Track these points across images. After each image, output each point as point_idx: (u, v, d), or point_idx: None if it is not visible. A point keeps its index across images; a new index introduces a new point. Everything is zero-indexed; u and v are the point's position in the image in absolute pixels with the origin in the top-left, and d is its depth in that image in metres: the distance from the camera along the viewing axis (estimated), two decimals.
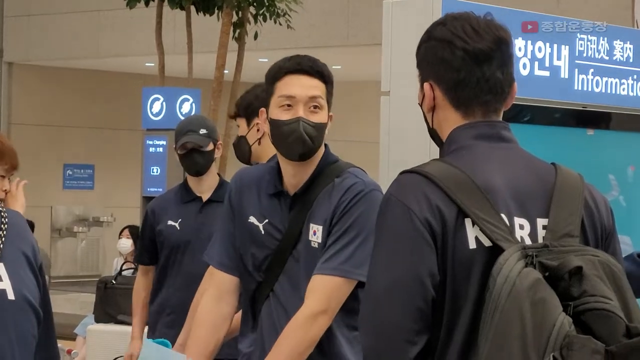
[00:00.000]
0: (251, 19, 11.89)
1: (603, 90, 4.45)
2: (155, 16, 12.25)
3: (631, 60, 4.52)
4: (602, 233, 2.28)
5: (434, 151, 3.85)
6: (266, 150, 4.19)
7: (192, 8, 11.89)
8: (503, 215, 2.17)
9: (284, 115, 3.29)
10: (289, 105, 3.29)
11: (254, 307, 3.36)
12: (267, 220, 3.34)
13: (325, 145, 3.38)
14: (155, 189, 10.42)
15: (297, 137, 3.26)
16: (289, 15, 11.88)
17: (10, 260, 1.97)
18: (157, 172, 10.92)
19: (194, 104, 11.49)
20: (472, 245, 2.14)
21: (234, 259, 3.41)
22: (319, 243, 3.27)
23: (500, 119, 2.32)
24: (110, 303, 8.10)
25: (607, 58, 4.45)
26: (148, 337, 5.07)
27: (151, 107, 11.46)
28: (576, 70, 4.33)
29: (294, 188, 3.34)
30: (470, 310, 2.13)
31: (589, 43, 4.37)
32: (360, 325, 2.21)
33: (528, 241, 2.18)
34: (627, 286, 2.13)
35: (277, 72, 3.34)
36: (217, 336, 3.41)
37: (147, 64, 16.12)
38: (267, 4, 11.75)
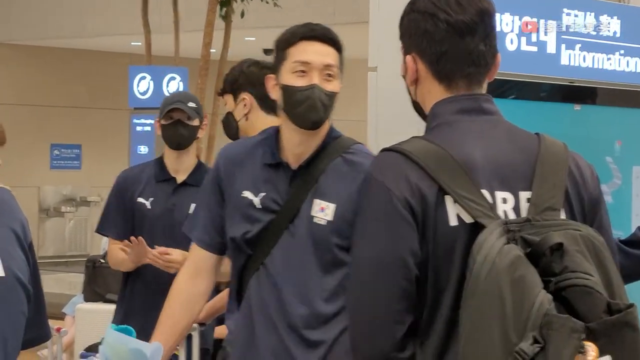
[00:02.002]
0: None
1: (590, 66, 4.45)
2: None
3: (618, 35, 4.53)
4: (588, 203, 2.27)
5: (422, 126, 3.86)
6: (254, 125, 4.17)
7: None
8: (484, 191, 2.16)
9: (299, 82, 3.21)
10: (302, 72, 3.21)
11: (241, 280, 3.30)
12: (263, 194, 3.25)
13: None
14: None
15: (312, 104, 3.19)
16: None
17: (0, 237, 1.96)
18: (144, 150, 10.90)
19: (181, 83, 11.47)
20: (454, 222, 2.14)
21: (214, 237, 3.34)
22: (328, 221, 3.19)
23: (484, 91, 2.32)
24: (99, 282, 8.10)
25: (594, 33, 4.45)
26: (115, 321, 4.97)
27: (138, 86, 11.43)
28: (563, 45, 4.33)
29: (296, 159, 3.26)
30: (453, 288, 2.13)
31: (575, 18, 4.38)
32: (347, 306, 2.21)
33: (512, 215, 2.17)
34: (610, 260, 2.12)
35: (291, 37, 3.26)
36: (191, 313, 3.37)
37: (133, 43, 16.06)
38: None
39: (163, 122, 4.88)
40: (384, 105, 3.91)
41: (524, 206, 2.19)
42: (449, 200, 2.14)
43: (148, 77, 11.51)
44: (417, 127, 3.86)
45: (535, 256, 2.06)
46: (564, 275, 2.04)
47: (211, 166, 4.06)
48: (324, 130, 3.27)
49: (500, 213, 2.16)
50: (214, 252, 3.36)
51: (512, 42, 4.09)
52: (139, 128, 11.08)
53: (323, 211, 3.21)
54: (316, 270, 3.21)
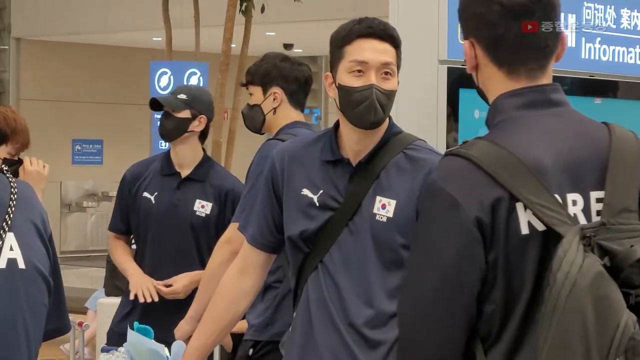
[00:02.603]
0: None
1: (610, 59, 4.44)
2: None
3: (638, 28, 4.51)
4: None
5: (442, 120, 3.86)
6: (279, 120, 4.16)
7: None
8: (557, 196, 2.04)
9: (356, 82, 3.13)
10: (359, 71, 3.13)
11: (299, 279, 3.23)
12: (322, 191, 3.18)
13: (389, 115, 3.23)
14: None
15: (369, 105, 3.11)
16: None
17: (20, 230, 1.98)
18: (165, 146, 10.92)
19: (201, 78, 11.49)
20: (525, 230, 2.03)
21: (266, 236, 3.28)
22: (388, 217, 3.12)
23: (549, 75, 2.18)
24: (120, 277, 8.11)
25: (614, 27, 4.44)
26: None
27: (159, 81, 11.46)
28: (583, 39, 4.33)
29: (356, 155, 3.19)
30: (526, 298, 2.03)
31: (596, 12, 4.37)
32: (401, 315, 2.10)
33: (582, 218, 2.06)
34: None
35: (347, 35, 3.18)
36: (235, 310, 3.32)
37: (154, 39, 16.10)
38: None
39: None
40: (403, 100, 3.92)
41: (595, 207, 2.08)
42: (520, 208, 2.03)
43: (169, 72, 11.54)
44: (436, 121, 3.87)
45: (616, 269, 1.96)
46: None
47: (218, 162, 4.03)
48: (383, 127, 3.20)
49: (571, 216, 2.05)
50: (265, 250, 3.30)
51: None
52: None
53: (384, 208, 3.13)
54: (377, 269, 3.13)
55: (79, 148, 18.69)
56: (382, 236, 3.11)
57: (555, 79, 4.12)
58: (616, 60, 4.41)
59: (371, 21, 3.20)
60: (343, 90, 3.14)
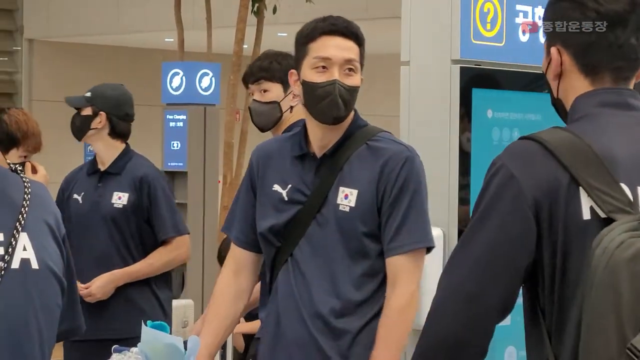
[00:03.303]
0: None
1: None
2: None
3: None
4: None
5: (454, 120, 3.85)
6: (292, 118, 4.17)
7: None
8: (623, 185, 2.02)
9: (319, 78, 3.21)
10: (323, 67, 3.21)
11: (272, 273, 3.32)
12: (290, 186, 3.27)
13: (355, 109, 3.31)
14: (176, 164, 10.44)
15: (332, 101, 3.19)
16: None
17: (34, 230, 1.98)
18: (177, 146, 10.93)
19: (213, 79, 11.49)
20: (587, 216, 2.00)
21: (250, 236, 3.37)
22: (351, 207, 3.20)
23: (631, 87, 2.16)
24: None
25: None
26: None
27: (171, 82, 11.47)
28: None
29: (321, 149, 3.27)
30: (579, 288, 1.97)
31: None
32: (440, 282, 2.09)
33: None
34: None
35: (311, 33, 3.26)
36: (235, 308, 3.41)
37: (166, 40, 16.12)
38: None
39: None
40: (416, 99, 3.91)
41: None
42: (582, 192, 2.01)
43: (181, 73, 11.54)
44: (449, 121, 3.85)
45: None
46: None
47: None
48: (347, 121, 3.27)
49: None
50: (252, 250, 3.38)
51: None
52: (172, 124, 11.11)
53: (347, 198, 3.21)
54: (343, 259, 3.21)
55: (91, 149, 18.70)
56: (346, 226, 3.19)
57: None
58: None
59: (335, 19, 3.31)
60: (307, 86, 3.22)
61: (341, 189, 3.22)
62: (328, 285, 3.21)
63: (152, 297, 4.81)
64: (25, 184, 2.02)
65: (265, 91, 4.25)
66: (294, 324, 3.23)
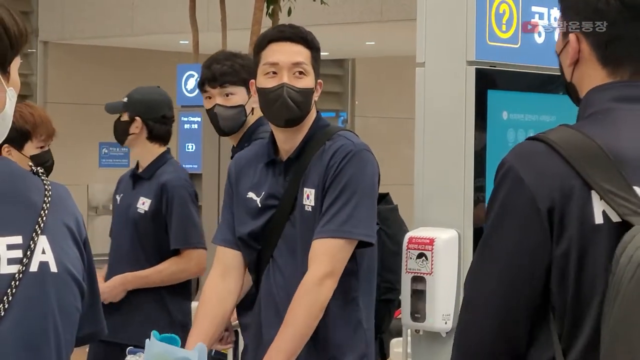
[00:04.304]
0: None
1: None
2: None
3: None
4: None
5: (470, 122, 3.84)
6: (252, 119, 4.24)
7: None
8: (636, 188, 1.96)
9: (269, 83, 3.33)
10: (274, 73, 3.33)
11: (258, 276, 3.43)
12: (263, 192, 3.39)
13: (318, 112, 3.42)
14: (191, 166, 10.46)
15: (282, 103, 3.29)
16: None
17: (54, 233, 1.98)
18: (192, 148, 10.95)
19: None
20: (599, 220, 1.94)
21: (235, 236, 3.47)
22: (312, 207, 3.30)
23: None
24: None
25: None
26: None
27: (186, 84, 11.49)
28: None
29: (286, 153, 3.39)
30: (599, 294, 1.93)
31: None
32: (464, 295, 2.07)
33: None
34: None
35: (262, 41, 3.40)
36: (224, 309, 3.46)
37: (181, 42, 16.13)
38: None
39: None
40: (431, 101, 3.90)
41: None
42: (595, 196, 1.95)
43: (195, 75, 11.55)
44: (464, 123, 3.84)
45: None
46: None
47: (173, 159, 4.18)
48: (307, 123, 3.38)
49: None
50: (238, 249, 3.46)
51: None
52: (186, 126, 11.14)
53: (309, 198, 3.32)
54: None
55: (106, 151, 18.75)
56: (311, 225, 3.29)
57: None
58: None
59: (283, 26, 3.43)
60: (260, 92, 3.37)
61: (305, 189, 3.33)
62: None
63: (162, 308, 4.78)
64: (46, 186, 2.01)
65: (230, 95, 4.24)
66: (273, 324, 3.30)
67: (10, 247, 1.92)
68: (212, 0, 12.72)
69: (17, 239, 1.93)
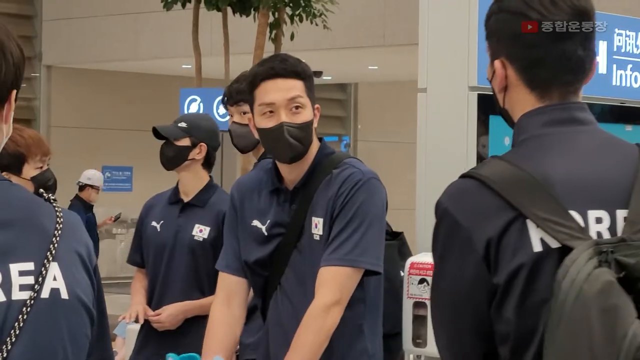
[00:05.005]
0: (287, 20, 11.92)
1: None
2: (192, 18, 12.32)
3: None
4: None
5: (472, 147, 3.87)
6: None
7: (229, 9, 11.95)
8: (573, 212, 1.95)
9: (268, 123, 3.30)
10: (270, 112, 3.29)
11: (265, 302, 3.42)
12: (269, 221, 3.38)
13: (321, 138, 3.40)
14: None
15: (284, 143, 3.28)
16: (325, 16, 11.90)
17: (65, 259, 1.98)
18: None
19: None
20: (537, 248, 1.93)
21: (239, 262, 3.45)
22: (320, 235, 3.29)
23: (579, 98, 2.08)
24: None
25: None
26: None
27: (188, 108, 11.53)
28: (614, 65, 4.33)
29: (292, 182, 3.37)
30: (542, 321, 1.92)
31: (627, 38, 4.37)
32: (433, 324, 2.10)
33: (607, 236, 1.94)
34: None
35: (253, 80, 3.34)
36: (233, 335, 3.46)
37: (184, 66, 16.19)
38: (303, 4, 11.78)
39: None
40: (433, 126, 3.93)
41: (621, 225, 1.96)
42: (530, 225, 1.93)
43: (198, 99, 11.61)
44: (466, 148, 3.88)
45: (630, 281, 1.84)
46: None
47: (220, 187, 4.15)
48: (311, 152, 3.36)
49: (593, 234, 1.94)
50: (242, 276, 3.46)
51: None
52: None
53: (317, 227, 3.31)
54: None
55: (109, 175, 18.78)
56: (321, 253, 3.27)
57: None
58: None
59: (272, 61, 3.35)
60: (260, 132, 3.35)
61: (313, 218, 3.32)
62: None
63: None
64: (58, 212, 2.02)
65: (245, 113, 4.26)
66: (282, 350, 3.28)
67: (22, 273, 1.93)
68: (215, 25, 12.78)
69: (29, 265, 1.94)
